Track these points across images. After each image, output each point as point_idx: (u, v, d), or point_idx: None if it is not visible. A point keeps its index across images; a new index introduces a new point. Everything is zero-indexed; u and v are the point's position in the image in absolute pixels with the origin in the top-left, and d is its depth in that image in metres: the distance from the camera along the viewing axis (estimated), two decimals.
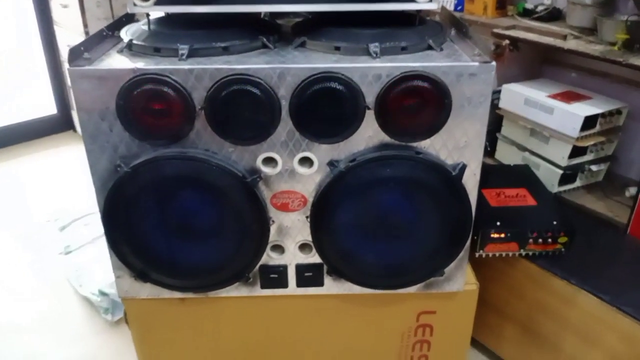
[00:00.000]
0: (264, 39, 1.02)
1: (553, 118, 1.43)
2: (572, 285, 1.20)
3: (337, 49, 0.99)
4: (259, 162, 1.00)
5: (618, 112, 1.44)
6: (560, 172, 1.47)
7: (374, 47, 0.97)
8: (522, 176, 1.44)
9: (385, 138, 0.99)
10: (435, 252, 1.09)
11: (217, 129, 0.96)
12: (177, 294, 1.13)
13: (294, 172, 1.02)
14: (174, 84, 0.92)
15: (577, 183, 1.53)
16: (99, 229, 2.09)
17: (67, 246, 1.99)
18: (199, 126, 0.96)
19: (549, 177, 1.49)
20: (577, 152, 1.45)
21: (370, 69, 0.93)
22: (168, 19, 1.08)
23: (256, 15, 1.17)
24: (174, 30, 1.01)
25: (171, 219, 1.03)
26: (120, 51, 1.00)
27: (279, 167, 1.01)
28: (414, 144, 1.00)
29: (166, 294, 1.13)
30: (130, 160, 0.98)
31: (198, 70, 0.92)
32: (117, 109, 0.94)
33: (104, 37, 1.08)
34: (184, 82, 0.92)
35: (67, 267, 1.88)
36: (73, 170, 2.66)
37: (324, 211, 1.03)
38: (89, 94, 0.93)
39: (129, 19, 1.20)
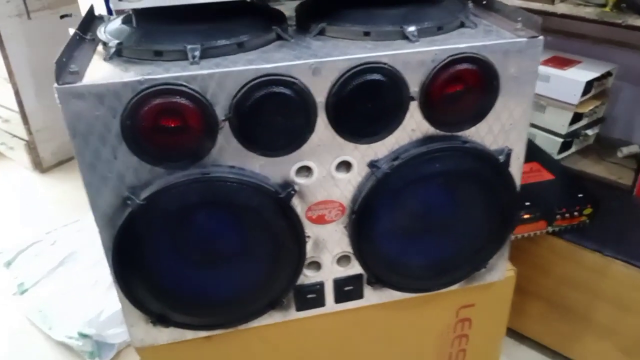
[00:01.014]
0: (279, 29, 0.88)
1: (550, 86, 1.40)
2: (605, 256, 1.17)
3: (367, 34, 0.87)
4: (292, 173, 0.87)
5: (609, 74, 1.43)
6: (561, 140, 1.44)
7: (410, 29, 0.85)
8: (527, 149, 1.40)
9: (429, 130, 0.89)
10: (481, 245, 1.01)
11: (244, 141, 0.82)
12: (203, 333, 0.98)
13: (331, 179, 0.89)
14: (192, 93, 0.76)
15: (572, 149, 1.51)
16: (53, 257, 1.85)
17: (20, 284, 1.74)
18: (222, 140, 0.81)
19: (548, 146, 1.46)
20: (575, 118, 1.43)
21: (414, 54, 0.82)
22: (145, 14, 0.88)
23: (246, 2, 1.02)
24: (170, 27, 0.84)
25: (195, 250, 0.88)
26: (109, 58, 0.81)
27: (315, 176, 0.88)
28: (460, 133, 0.91)
29: (190, 335, 0.97)
30: (141, 190, 0.81)
31: (220, 74, 0.76)
32: (123, 131, 0.76)
33: (79, 42, 0.89)
34: (203, 90, 0.77)
35: (27, 309, 1.64)
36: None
37: (367, 217, 0.92)
38: (85, 116, 0.75)
39: (92, 17, 1.01)
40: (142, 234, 0.83)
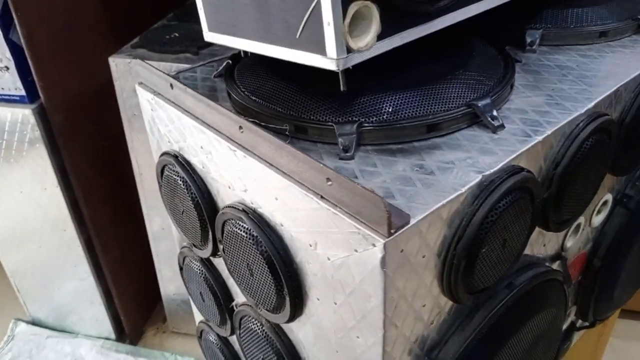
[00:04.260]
0: (512, 49, 0.62)
1: None
2: None
3: (603, 34, 0.66)
4: (567, 239, 0.64)
5: None
6: None
7: None
8: None
9: None
10: None
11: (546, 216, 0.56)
12: None
13: (588, 228, 0.69)
14: (534, 177, 0.48)
15: None
16: None
17: None
18: None
19: None
20: None
21: None
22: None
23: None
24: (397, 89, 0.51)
25: None
26: (353, 154, 0.47)
27: (580, 230, 0.66)
28: None
29: None
30: (434, 349, 0.50)
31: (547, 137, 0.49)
32: (451, 268, 0.45)
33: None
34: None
35: None
36: None
37: (612, 261, 0.74)
38: (405, 269, 0.41)
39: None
40: None
